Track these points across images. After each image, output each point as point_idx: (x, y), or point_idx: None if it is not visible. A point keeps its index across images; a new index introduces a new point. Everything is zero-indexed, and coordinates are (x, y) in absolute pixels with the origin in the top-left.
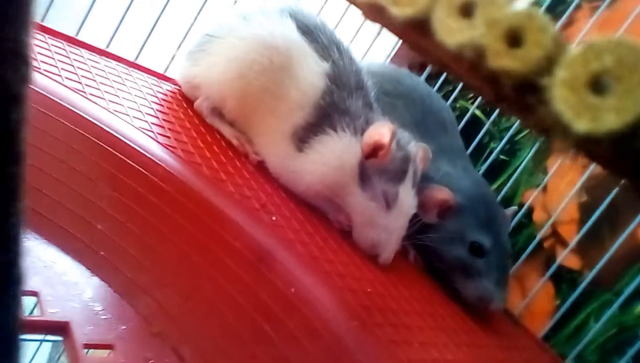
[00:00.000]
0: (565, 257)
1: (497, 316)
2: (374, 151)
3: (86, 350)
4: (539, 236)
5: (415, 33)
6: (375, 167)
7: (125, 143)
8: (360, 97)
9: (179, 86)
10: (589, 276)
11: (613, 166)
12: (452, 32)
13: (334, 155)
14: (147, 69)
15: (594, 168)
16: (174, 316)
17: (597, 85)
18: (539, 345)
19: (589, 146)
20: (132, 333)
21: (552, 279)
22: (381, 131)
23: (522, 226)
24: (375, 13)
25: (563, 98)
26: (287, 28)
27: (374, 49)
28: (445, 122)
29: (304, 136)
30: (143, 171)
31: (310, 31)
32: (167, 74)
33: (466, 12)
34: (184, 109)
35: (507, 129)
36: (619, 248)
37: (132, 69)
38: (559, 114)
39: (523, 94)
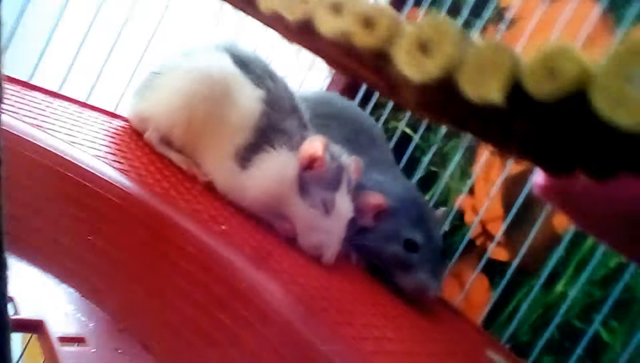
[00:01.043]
0: (495, 251)
1: (436, 308)
2: (310, 164)
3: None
4: (469, 235)
5: (305, 33)
6: (312, 178)
7: (83, 168)
8: (295, 118)
9: (129, 122)
10: (513, 264)
11: (442, 111)
12: (328, 25)
13: (274, 170)
14: (98, 108)
15: (510, 169)
16: (138, 314)
17: (424, 48)
18: (476, 329)
19: (422, 94)
20: (101, 329)
21: (486, 273)
22: (315, 144)
23: (456, 228)
24: (276, 23)
25: (402, 60)
26: (223, 61)
27: (309, 79)
28: (375, 138)
29: (246, 155)
30: (101, 192)
31: (245, 63)
32: (117, 112)
33: (337, 10)
34: (135, 141)
35: (435, 143)
36: (539, 237)
37: (84, 108)
38: (401, 72)
39: (378, 62)
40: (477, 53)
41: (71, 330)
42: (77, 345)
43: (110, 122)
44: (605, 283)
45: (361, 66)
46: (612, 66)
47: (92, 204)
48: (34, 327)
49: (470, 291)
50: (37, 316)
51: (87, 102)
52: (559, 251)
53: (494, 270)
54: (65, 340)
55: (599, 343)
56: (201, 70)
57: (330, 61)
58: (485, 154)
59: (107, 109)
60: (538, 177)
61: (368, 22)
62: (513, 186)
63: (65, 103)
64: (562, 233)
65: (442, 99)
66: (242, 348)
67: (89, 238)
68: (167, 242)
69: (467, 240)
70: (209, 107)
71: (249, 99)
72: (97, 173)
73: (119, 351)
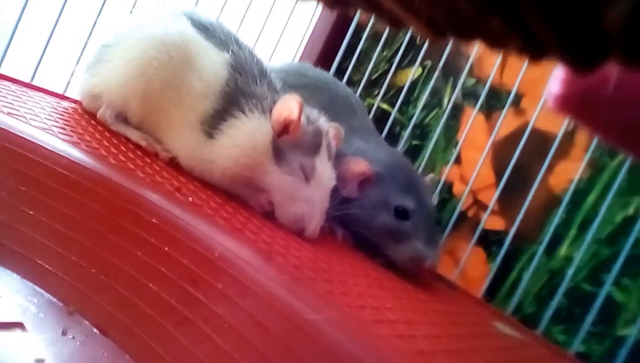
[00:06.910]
0: (490, 221)
1: (433, 282)
2: (285, 128)
3: None
4: (459, 206)
5: None
6: (288, 143)
7: (22, 137)
8: (264, 83)
9: (80, 104)
10: (511, 233)
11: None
12: None
13: (245, 136)
14: (44, 89)
15: (499, 131)
16: (90, 294)
17: None
18: (477, 302)
19: None
20: (45, 312)
21: (482, 245)
22: (289, 105)
23: (445, 201)
24: None
25: None
26: (182, 25)
27: (278, 51)
28: (354, 106)
29: (212, 123)
30: (43, 162)
31: (206, 28)
32: (66, 95)
33: None
34: (86, 120)
35: (414, 115)
36: (536, 200)
37: (27, 88)
38: None
39: None
40: None
41: (6, 315)
42: (14, 331)
43: (59, 103)
44: (613, 240)
45: None
46: None
47: (33, 175)
48: None
49: (466, 266)
50: None
51: (32, 83)
52: (559, 213)
53: (489, 241)
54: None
55: (612, 305)
56: (157, 35)
57: None
58: (470, 119)
59: (55, 91)
60: (555, 86)
61: None
62: (503, 149)
63: (6, 83)
64: (560, 193)
65: None
66: (217, 323)
67: (29, 212)
68: (126, 214)
69: (458, 212)
70: (167, 75)
71: (213, 63)
72: (38, 142)
73: (69, 336)
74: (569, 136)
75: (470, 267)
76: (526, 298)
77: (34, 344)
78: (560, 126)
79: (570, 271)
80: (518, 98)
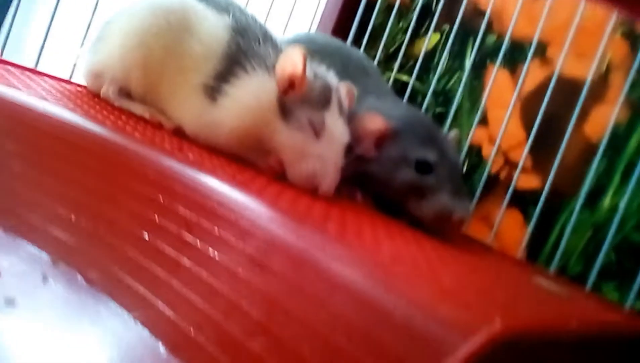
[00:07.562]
0: (524, 180)
1: (467, 243)
2: (290, 84)
3: None
4: (488, 167)
5: None
6: (295, 99)
7: (9, 100)
8: (268, 44)
9: (86, 88)
10: (545, 188)
11: None
12: None
13: (249, 95)
14: (48, 74)
15: (526, 85)
16: (78, 246)
17: None
18: (516, 261)
19: None
20: (26, 262)
21: (518, 206)
22: (292, 59)
23: (475, 167)
24: None
25: None
26: None
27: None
28: (367, 68)
29: (215, 86)
30: (32, 123)
31: None
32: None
33: None
34: (89, 98)
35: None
36: (572, 151)
37: (31, 73)
38: None
39: None
40: None
41: None
42: None
43: (62, 85)
44: None
45: None
46: None
47: (20, 132)
48: None
49: (503, 230)
50: None
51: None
52: (598, 162)
53: (526, 201)
54: None
55: None
56: (154, 3)
57: None
58: (492, 75)
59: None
60: None
61: None
62: (532, 103)
63: (8, 67)
64: (598, 140)
65: None
66: (214, 267)
67: (15, 168)
68: (119, 167)
69: (488, 173)
70: (166, 41)
71: (213, 26)
72: (24, 104)
73: (50, 282)
74: (602, 79)
75: (507, 230)
76: (571, 256)
77: (6, 287)
78: (589, 68)
79: (616, 223)
80: (543, 48)
